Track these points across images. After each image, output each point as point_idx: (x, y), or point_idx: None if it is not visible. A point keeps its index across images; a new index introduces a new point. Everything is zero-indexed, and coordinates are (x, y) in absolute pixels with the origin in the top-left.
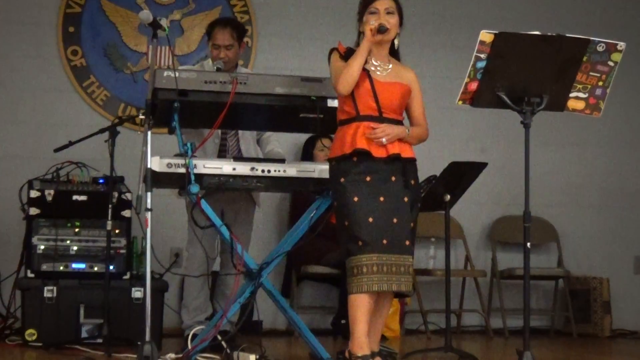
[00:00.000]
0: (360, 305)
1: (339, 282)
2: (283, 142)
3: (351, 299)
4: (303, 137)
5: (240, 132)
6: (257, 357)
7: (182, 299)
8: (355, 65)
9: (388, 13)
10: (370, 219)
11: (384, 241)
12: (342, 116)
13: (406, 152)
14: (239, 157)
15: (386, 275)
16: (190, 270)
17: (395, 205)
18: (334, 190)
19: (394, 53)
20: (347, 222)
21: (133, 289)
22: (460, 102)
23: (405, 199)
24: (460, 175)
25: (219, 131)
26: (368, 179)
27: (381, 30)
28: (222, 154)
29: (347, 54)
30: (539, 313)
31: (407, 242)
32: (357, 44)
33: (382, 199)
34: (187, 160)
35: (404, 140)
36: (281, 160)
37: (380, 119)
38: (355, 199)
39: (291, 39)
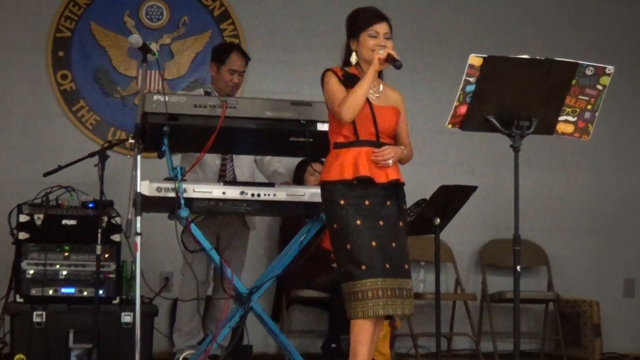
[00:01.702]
0: (364, 330)
1: (329, 306)
2: None
3: (356, 323)
4: (294, 161)
5: (234, 156)
6: None
7: (174, 323)
8: (362, 92)
9: (386, 38)
10: (374, 243)
11: (387, 265)
12: (338, 139)
13: (400, 177)
14: (229, 181)
15: (390, 300)
16: (184, 293)
17: (393, 229)
18: (332, 212)
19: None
20: (349, 245)
21: (123, 314)
22: (450, 126)
23: (401, 224)
24: (450, 198)
25: (219, 155)
26: (367, 202)
27: (397, 66)
28: (221, 178)
29: (346, 78)
30: (529, 337)
31: (406, 266)
32: (346, 62)
33: (381, 223)
34: (176, 184)
35: (401, 161)
36: (271, 184)
37: (378, 143)
38: (358, 222)
39: (281, 63)
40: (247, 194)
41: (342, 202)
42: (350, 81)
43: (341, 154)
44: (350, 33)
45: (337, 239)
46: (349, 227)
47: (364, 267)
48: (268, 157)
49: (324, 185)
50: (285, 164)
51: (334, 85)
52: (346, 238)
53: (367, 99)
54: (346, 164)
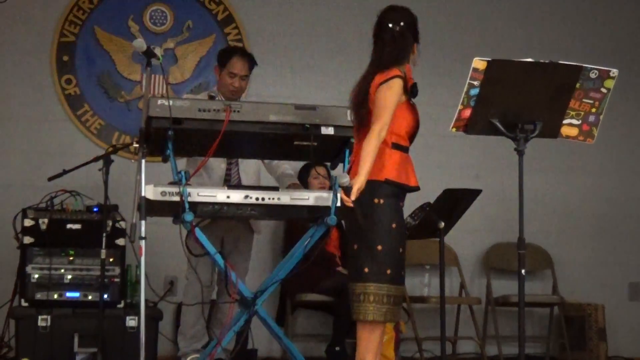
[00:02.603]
0: (376, 337)
1: (334, 310)
2: None
3: (366, 329)
4: (298, 164)
5: (240, 160)
6: None
7: (179, 326)
8: (363, 165)
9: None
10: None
11: (402, 272)
12: (395, 139)
13: None
14: (233, 185)
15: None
16: (189, 297)
17: None
18: (393, 210)
19: None
20: (401, 248)
21: (127, 318)
22: (454, 130)
23: None
24: (455, 202)
25: (225, 159)
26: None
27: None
28: (227, 182)
29: (412, 90)
30: (534, 340)
31: None
32: (400, 59)
33: None
34: (181, 189)
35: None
36: (275, 188)
37: None
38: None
39: (285, 67)
40: (251, 197)
41: (400, 203)
42: (413, 91)
43: (397, 157)
44: (416, 37)
45: (393, 239)
46: (404, 231)
47: (403, 273)
48: (276, 160)
49: (386, 182)
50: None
51: (394, 97)
52: (401, 240)
53: (415, 106)
54: (407, 171)
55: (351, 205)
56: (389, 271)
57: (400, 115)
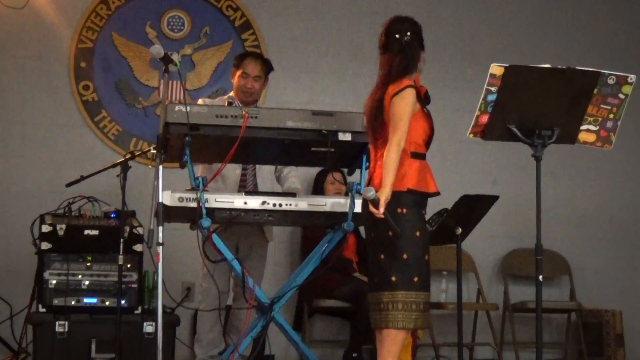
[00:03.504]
0: (399, 342)
1: (351, 316)
2: None
3: (390, 334)
4: (314, 170)
5: (257, 166)
6: None
7: (195, 333)
8: (387, 176)
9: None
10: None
11: (428, 279)
12: (414, 148)
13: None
14: (251, 191)
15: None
16: (205, 303)
17: None
18: (416, 219)
19: None
20: (427, 256)
21: (145, 324)
22: (472, 135)
23: None
24: (472, 208)
25: (240, 165)
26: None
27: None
28: (242, 188)
29: (425, 98)
30: (552, 346)
31: None
32: (409, 69)
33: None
34: (198, 195)
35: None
36: (292, 194)
37: None
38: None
39: (302, 73)
40: (268, 204)
41: (423, 212)
42: (426, 99)
43: (417, 165)
44: (422, 45)
45: (417, 247)
46: (427, 238)
47: (429, 280)
48: (285, 172)
49: (408, 192)
50: (305, 173)
51: (408, 107)
52: (425, 248)
53: (429, 113)
54: (426, 178)
55: (382, 217)
56: (416, 279)
57: (416, 124)
